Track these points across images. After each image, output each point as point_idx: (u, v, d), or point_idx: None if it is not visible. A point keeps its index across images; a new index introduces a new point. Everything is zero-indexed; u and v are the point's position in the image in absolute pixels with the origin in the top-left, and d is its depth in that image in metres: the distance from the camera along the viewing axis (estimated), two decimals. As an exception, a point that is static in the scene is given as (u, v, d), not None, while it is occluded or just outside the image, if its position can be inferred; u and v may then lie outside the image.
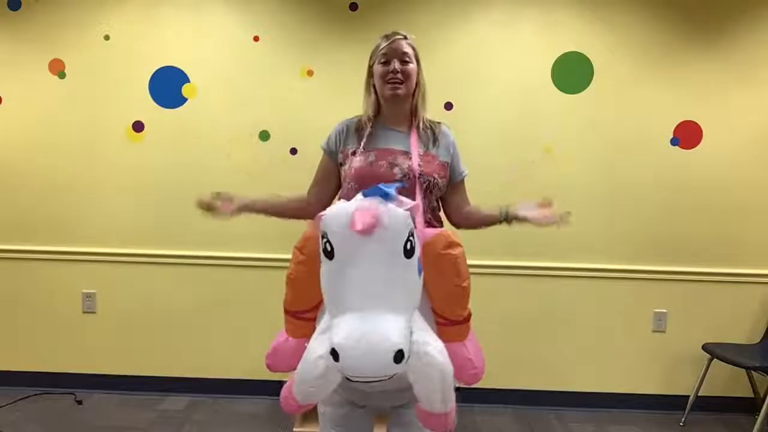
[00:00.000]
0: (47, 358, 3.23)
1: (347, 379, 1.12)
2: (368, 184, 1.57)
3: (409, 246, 1.15)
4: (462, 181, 1.81)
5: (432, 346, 1.24)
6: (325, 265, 1.18)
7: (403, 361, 1.08)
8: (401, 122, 1.73)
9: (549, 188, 3.10)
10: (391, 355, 1.06)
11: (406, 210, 1.17)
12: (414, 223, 1.20)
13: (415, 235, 1.18)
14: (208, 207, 1.69)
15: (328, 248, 1.15)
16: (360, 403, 1.60)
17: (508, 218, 1.71)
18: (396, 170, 1.62)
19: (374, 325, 1.08)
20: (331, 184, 1.77)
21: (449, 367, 1.27)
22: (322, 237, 1.17)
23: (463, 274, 1.38)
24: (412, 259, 1.17)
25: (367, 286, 1.12)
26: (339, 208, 1.17)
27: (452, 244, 1.36)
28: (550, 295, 3.17)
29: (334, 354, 1.07)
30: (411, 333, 1.19)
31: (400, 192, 1.24)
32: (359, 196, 1.20)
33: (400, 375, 1.17)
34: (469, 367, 1.42)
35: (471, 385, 1.47)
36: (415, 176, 1.61)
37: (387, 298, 1.12)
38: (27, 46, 3.10)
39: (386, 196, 1.17)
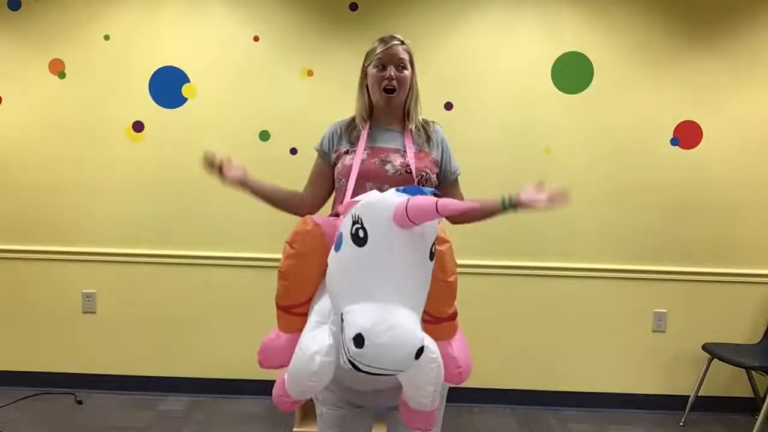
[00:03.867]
0: (47, 358, 3.23)
1: (356, 369, 1.07)
2: (359, 180, 1.63)
3: (433, 249, 1.16)
4: (455, 180, 1.84)
5: (429, 340, 1.24)
6: (348, 250, 1.14)
7: (420, 357, 1.07)
8: (394, 122, 1.76)
9: (549, 188, 3.12)
10: (415, 350, 1.04)
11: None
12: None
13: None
14: (212, 164, 1.78)
15: (361, 234, 1.12)
16: (357, 404, 1.59)
17: (513, 206, 1.71)
18: (388, 167, 1.66)
19: (399, 318, 1.06)
20: (325, 184, 1.81)
21: (442, 365, 1.28)
22: (354, 222, 1.14)
23: (448, 270, 1.36)
24: (432, 263, 1.18)
25: (393, 279, 1.10)
26: (380, 196, 1.14)
27: (439, 240, 1.33)
28: (550, 295, 3.17)
29: (358, 339, 1.03)
30: None
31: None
32: (392, 190, 1.17)
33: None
34: (453, 366, 1.39)
35: (455, 385, 1.46)
36: (408, 172, 1.64)
37: (408, 295, 1.12)
38: (27, 46, 3.10)
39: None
